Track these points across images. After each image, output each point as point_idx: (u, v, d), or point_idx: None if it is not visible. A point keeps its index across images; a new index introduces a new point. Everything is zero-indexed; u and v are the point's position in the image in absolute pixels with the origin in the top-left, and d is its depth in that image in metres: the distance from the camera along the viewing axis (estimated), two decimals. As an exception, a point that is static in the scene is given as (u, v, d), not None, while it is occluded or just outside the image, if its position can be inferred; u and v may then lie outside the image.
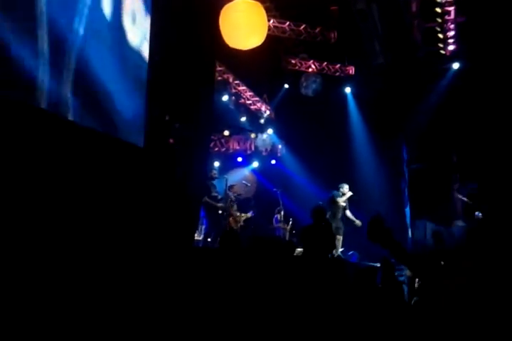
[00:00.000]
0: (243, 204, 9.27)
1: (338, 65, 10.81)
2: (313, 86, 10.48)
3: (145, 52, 5.31)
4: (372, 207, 8.24)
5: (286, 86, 11.52)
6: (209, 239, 7.72)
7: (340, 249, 7.80)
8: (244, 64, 9.05)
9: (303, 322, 2.68)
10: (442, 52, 9.09)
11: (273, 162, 12.04)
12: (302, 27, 9.70)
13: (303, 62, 10.93)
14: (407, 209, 9.18)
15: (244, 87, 10.94)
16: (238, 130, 11.33)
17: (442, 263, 2.85)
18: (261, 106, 11.71)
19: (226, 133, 10.79)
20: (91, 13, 4.29)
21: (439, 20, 8.46)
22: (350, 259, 8.05)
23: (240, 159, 11.62)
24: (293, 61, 10.94)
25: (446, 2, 8.15)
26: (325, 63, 10.84)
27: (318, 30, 9.75)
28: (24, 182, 3.19)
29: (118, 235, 3.96)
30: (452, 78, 9.36)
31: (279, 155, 12.14)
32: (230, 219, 8.33)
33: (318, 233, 5.41)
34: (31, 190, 3.23)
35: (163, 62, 5.54)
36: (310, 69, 10.88)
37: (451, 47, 8.97)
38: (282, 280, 3.04)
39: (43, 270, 2.98)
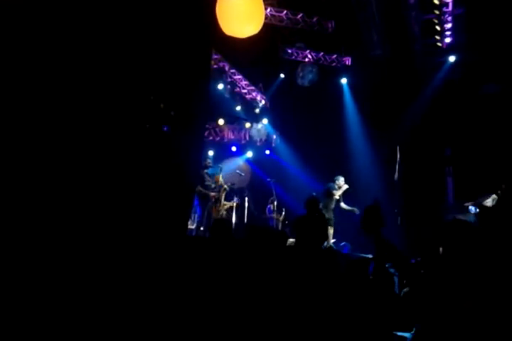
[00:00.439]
0: (237, 194, 9.28)
1: (335, 56, 10.75)
2: (310, 76, 10.44)
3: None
4: (367, 198, 8.27)
5: (282, 76, 11.47)
6: (201, 228, 7.73)
7: (332, 240, 7.84)
8: (240, 52, 8.99)
9: (294, 313, 2.69)
10: (439, 44, 9.07)
11: (267, 152, 12.03)
12: (299, 16, 9.62)
13: (299, 52, 10.86)
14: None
15: (239, 76, 10.88)
16: (233, 119, 11.28)
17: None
18: (256, 96, 11.66)
19: (221, 122, 10.74)
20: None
21: (437, 12, 8.43)
22: (342, 250, 8.10)
23: (234, 149, 11.59)
24: (289, 51, 10.87)
25: (444, -6, 8.12)
26: (321, 53, 10.79)
27: (315, 19, 9.67)
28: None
29: (110, 223, 3.95)
30: (448, 71, 9.36)
31: (273, 145, 12.13)
32: (213, 207, 8.29)
33: (311, 224, 5.42)
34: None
35: (159, 48, 5.48)
36: (306, 59, 10.82)
37: (448, 40, 8.95)
38: (274, 270, 3.05)
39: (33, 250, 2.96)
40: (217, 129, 11.31)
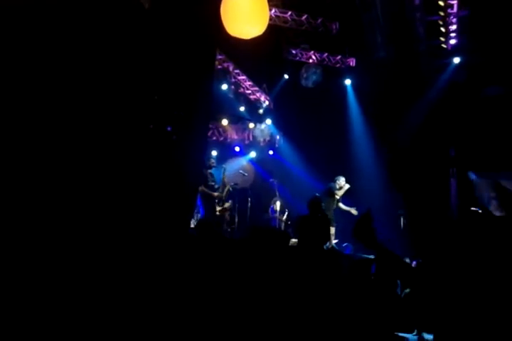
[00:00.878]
0: (239, 194, 9.28)
1: (339, 57, 10.74)
2: (314, 77, 10.44)
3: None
4: (370, 199, 8.27)
5: (286, 76, 11.47)
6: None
7: (335, 241, 7.85)
8: (244, 53, 9.00)
9: (295, 313, 2.70)
10: (444, 46, 9.07)
11: (271, 152, 12.03)
12: (304, 17, 9.62)
13: (303, 53, 10.87)
14: None
15: (243, 77, 10.89)
16: (237, 119, 11.29)
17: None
18: (260, 96, 11.67)
19: (224, 122, 10.76)
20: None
21: (442, 13, 8.42)
22: (345, 251, 8.10)
23: (237, 149, 11.60)
24: (294, 51, 10.87)
25: (449, -5, 8.12)
26: (326, 54, 10.79)
27: (320, 20, 9.68)
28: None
29: (111, 222, 3.97)
30: (453, 73, 9.34)
31: (276, 146, 12.13)
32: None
33: (313, 224, 5.43)
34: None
35: (164, 48, 5.50)
36: (310, 60, 10.83)
37: (452, 42, 8.94)
38: (275, 270, 3.05)
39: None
40: (220, 129, 11.33)
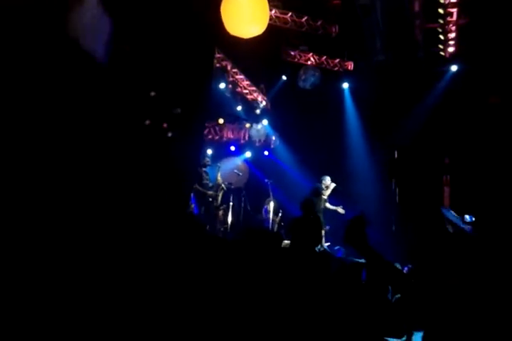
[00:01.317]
0: (234, 194, 9.27)
1: (338, 60, 10.77)
2: (312, 79, 10.44)
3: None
4: (364, 202, 8.29)
5: (284, 77, 11.47)
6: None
7: (327, 243, 7.85)
8: (243, 53, 8.99)
9: (285, 316, 2.70)
10: (442, 53, 9.11)
11: (266, 153, 12.03)
12: (304, 19, 9.63)
13: (302, 55, 10.88)
14: None
15: (241, 76, 10.88)
16: (233, 119, 11.28)
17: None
18: (257, 96, 11.66)
19: (221, 121, 10.74)
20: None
21: (441, 21, 8.46)
22: (336, 254, 8.10)
23: (232, 148, 11.59)
24: (292, 53, 10.88)
25: (449, 3, 8.14)
26: (324, 57, 10.80)
27: (319, 23, 9.69)
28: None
29: (105, 219, 3.95)
30: (450, 80, 9.39)
31: (272, 146, 12.13)
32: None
33: (306, 226, 5.43)
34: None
35: (163, 45, 5.49)
36: (309, 62, 10.83)
37: (451, 49, 8.99)
38: (267, 272, 3.05)
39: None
40: (216, 128, 11.30)
